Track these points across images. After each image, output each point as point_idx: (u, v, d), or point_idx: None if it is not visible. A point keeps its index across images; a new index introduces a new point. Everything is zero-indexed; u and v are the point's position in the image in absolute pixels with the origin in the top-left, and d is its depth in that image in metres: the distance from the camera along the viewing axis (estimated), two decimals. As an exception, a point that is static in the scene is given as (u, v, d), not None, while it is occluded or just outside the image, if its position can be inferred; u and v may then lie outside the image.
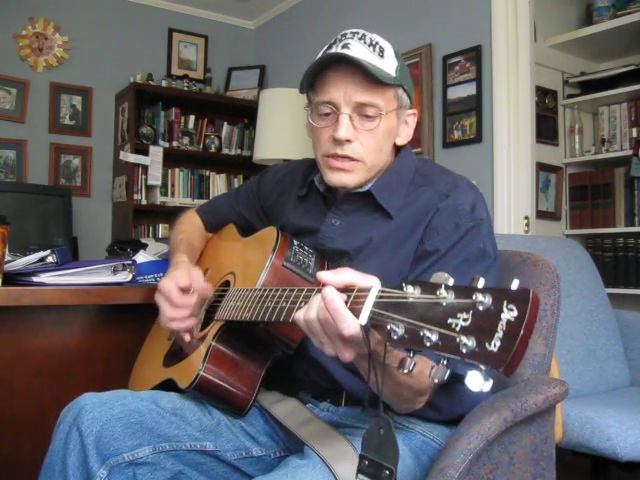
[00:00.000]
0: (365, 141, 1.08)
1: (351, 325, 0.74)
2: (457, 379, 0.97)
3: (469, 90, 2.97)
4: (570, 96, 3.37)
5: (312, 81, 1.10)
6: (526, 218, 2.80)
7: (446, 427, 1.07)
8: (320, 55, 1.09)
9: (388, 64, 1.08)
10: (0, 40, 3.78)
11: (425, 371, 0.91)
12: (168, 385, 1.18)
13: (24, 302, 1.34)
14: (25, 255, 1.45)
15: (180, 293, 1.13)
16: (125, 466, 1.00)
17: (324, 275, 0.79)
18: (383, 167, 1.15)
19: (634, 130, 3.14)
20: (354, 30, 1.10)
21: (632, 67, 3.12)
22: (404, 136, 1.17)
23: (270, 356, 1.13)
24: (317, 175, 1.20)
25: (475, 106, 2.94)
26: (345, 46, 1.06)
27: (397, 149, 1.19)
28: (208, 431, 1.10)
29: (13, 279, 1.38)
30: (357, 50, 1.05)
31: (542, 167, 3.19)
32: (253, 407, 1.13)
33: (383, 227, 1.10)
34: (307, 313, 0.81)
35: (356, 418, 1.09)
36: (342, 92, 1.05)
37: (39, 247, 1.66)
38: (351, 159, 1.08)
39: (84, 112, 4.04)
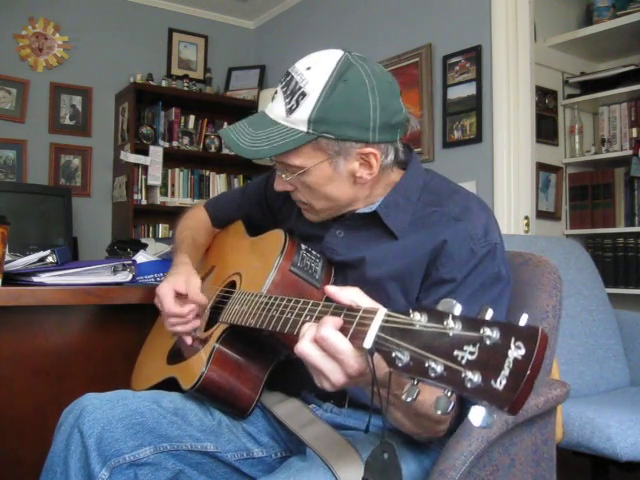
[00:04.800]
0: (303, 191, 1.07)
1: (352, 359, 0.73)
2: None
3: (469, 90, 2.97)
4: (570, 96, 3.36)
5: None
6: (526, 218, 2.80)
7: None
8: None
9: (300, 117, 0.98)
10: (0, 40, 3.78)
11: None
12: (170, 383, 1.18)
13: (24, 302, 1.34)
14: (25, 255, 1.45)
15: (175, 300, 1.15)
16: (126, 467, 1.00)
17: (331, 289, 0.79)
18: (384, 190, 1.10)
19: (634, 130, 3.14)
20: (292, 69, 1.02)
21: (632, 67, 3.11)
22: (366, 174, 1.03)
23: (274, 360, 1.12)
24: None
25: (475, 106, 2.94)
26: (273, 98, 1.04)
27: (404, 161, 1.12)
28: (209, 432, 1.10)
29: (13, 279, 1.38)
30: (277, 105, 1.02)
31: (542, 167, 3.19)
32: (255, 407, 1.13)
33: (387, 245, 1.07)
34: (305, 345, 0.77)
35: (359, 420, 1.09)
36: None
37: (39, 247, 1.66)
38: (303, 202, 1.10)
39: (84, 112, 4.04)
